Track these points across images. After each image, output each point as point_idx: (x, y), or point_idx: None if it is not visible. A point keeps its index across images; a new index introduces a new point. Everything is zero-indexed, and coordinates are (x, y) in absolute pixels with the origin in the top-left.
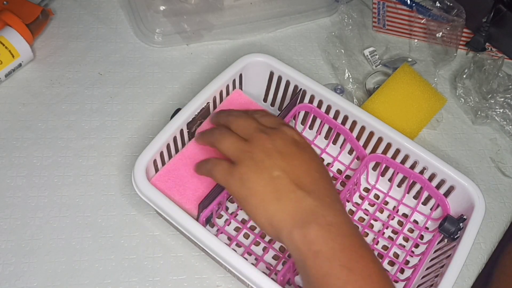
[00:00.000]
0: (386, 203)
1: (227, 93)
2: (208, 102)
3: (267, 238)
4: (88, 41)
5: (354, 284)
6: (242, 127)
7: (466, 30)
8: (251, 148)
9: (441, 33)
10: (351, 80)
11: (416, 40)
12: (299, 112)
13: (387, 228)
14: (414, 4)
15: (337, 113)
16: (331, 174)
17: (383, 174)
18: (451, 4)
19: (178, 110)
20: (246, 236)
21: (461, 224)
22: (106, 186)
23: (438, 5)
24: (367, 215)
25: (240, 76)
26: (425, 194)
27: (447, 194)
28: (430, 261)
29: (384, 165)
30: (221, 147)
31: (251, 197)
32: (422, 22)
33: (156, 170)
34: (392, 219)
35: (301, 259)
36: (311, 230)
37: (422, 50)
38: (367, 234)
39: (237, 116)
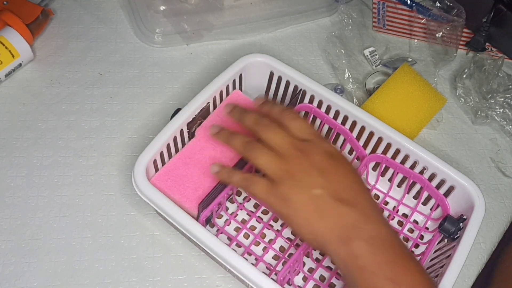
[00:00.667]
0: (386, 203)
1: (227, 93)
2: (208, 102)
3: (267, 238)
4: (88, 41)
5: None
6: (274, 142)
7: (466, 30)
8: (289, 166)
9: (441, 33)
10: (351, 80)
11: (416, 40)
12: (299, 112)
13: None
14: (414, 4)
15: (337, 113)
16: None
17: (383, 174)
18: (451, 4)
19: (178, 110)
20: (246, 236)
21: (461, 224)
22: (106, 186)
23: (438, 5)
24: None
25: (240, 76)
26: (425, 194)
27: (447, 194)
28: (430, 261)
29: (384, 165)
30: (256, 164)
31: (295, 216)
32: (422, 22)
33: (156, 170)
34: (392, 219)
35: (349, 274)
36: (355, 245)
37: (422, 50)
38: None
39: (267, 127)
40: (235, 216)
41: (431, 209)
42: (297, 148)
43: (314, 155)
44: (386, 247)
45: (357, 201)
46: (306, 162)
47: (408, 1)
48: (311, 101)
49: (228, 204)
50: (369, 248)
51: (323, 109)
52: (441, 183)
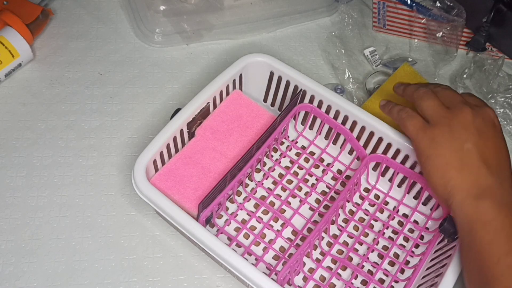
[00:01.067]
0: (386, 203)
1: (227, 93)
2: (208, 102)
3: (267, 239)
4: (88, 41)
5: None
6: (447, 96)
7: (466, 30)
8: (452, 116)
9: (441, 33)
10: (351, 80)
11: (416, 40)
12: (299, 112)
13: (387, 228)
14: (414, 4)
15: (337, 113)
16: (331, 174)
17: (383, 174)
18: (451, 4)
19: (178, 110)
20: (246, 236)
21: None
22: (106, 186)
23: (438, 5)
24: (367, 215)
25: (240, 76)
26: (425, 194)
27: None
28: (431, 261)
29: (384, 165)
30: (422, 104)
31: (436, 157)
32: (422, 22)
33: (156, 170)
34: (392, 219)
35: (468, 225)
36: (485, 203)
37: (423, 50)
38: (367, 234)
39: (445, 88)
40: (235, 216)
41: (431, 209)
42: (467, 104)
43: (479, 117)
44: None
45: (500, 171)
46: (469, 119)
47: (408, 1)
48: (311, 101)
49: (228, 204)
50: (498, 209)
51: (323, 109)
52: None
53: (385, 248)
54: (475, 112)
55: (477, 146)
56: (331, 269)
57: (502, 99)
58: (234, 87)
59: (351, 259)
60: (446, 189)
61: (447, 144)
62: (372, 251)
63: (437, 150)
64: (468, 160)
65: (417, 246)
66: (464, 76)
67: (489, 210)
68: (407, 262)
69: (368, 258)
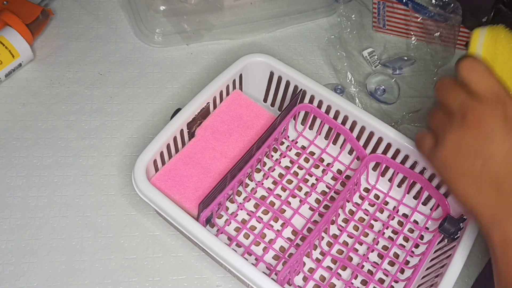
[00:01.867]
0: (386, 203)
1: (227, 93)
2: (208, 102)
3: (267, 239)
4: (88, 41)
5: None
6: (452, 94)
7: (466, 30)
8: (457, 125)
9: (438, 33)
10: (353, 82)
11: (413, 37)
12: (299, 112)
13: (387, 228)
14: (409, 1)
15: (337, 113)
16: (331, 174)
17: (383, 174)
18: (447, 0)
19: (178, 110)
20: (246, 236)
21: (461, 224)
22: (106, 186)
23: (434, 1)
24: (367, 215)
25: (240, 76)
26: (425, 194)
27: (447, 194)
28: (430, 261)
29: (384, 165)
30: (429, 123)
31: (452, 184)
32: (418, 20)
33: (156, 170)
34: (392, 219)
35: (501, 247)
36: (509, 227)
37: (421, 49)
38: (367, 234)
39: (447, 85)
40: (235, 216)
41: (431, 209)
42: (477, 100)
43: (491, 113)
44: None
45: None
46: (475, 123)
47: None
48: (311, 101)
49: (228, 204)
50: None
51: (323, 109)
52: (441, 183)
53: (385, 248)
54: (486, 108)
55: (488, 160)
56: (331, 269)
57: None
58: (234, 87)
59: (351, 259)
60: (471, 213)
61: (458, 168)
62: (372, 251)
63: (450, 175)
64: (482, 181)
65: (417, 246)
66: None
67: None
68: (407, 262)
69: (368, 258)
